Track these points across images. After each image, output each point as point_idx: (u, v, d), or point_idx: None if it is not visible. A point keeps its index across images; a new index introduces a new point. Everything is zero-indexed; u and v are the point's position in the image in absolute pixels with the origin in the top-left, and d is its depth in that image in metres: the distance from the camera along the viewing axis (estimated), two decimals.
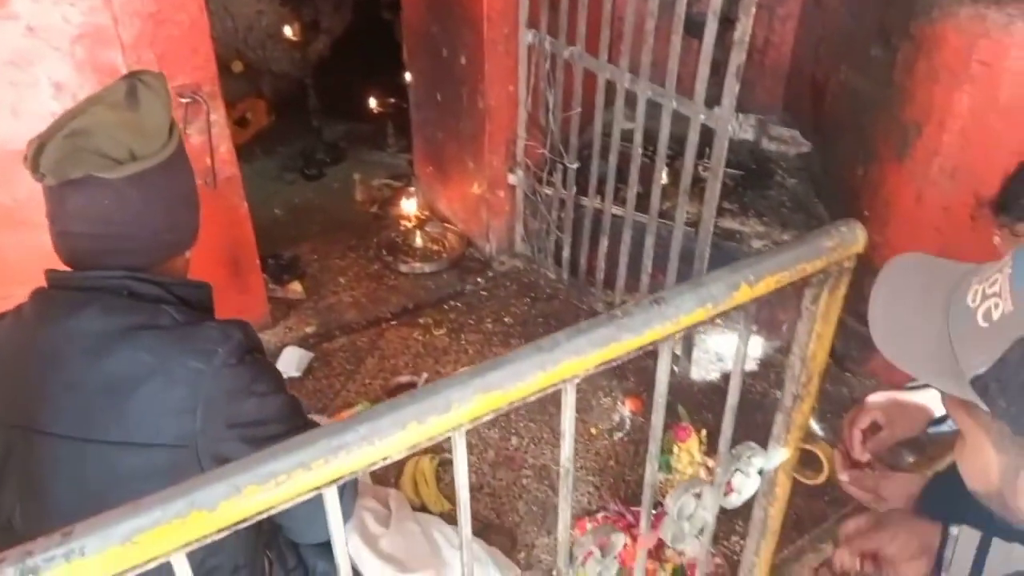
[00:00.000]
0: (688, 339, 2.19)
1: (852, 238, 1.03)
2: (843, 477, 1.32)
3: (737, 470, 1.20)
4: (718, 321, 2.39)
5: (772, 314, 2.33)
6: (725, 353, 2.28)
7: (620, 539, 1.08)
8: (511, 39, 2.30)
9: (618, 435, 2.06)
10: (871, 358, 2.11)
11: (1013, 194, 1.07)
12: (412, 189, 2.99)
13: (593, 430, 2.06)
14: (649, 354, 2.49)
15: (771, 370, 2.24)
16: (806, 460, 1.31)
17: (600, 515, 1.84)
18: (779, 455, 1.22)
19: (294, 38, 3.69)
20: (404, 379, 2.07)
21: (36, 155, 1.01)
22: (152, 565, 0.67)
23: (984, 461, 0.67)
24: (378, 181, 3.37)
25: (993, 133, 1.73)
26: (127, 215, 1.04)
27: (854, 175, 2.17)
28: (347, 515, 1.29)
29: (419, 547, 1.61)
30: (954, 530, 1.00)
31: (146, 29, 1.78)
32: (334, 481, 0.73)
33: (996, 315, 0.62)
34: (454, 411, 0.77)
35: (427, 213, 2.90)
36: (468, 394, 0.78)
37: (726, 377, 2.20)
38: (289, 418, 1.11)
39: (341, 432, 0.72)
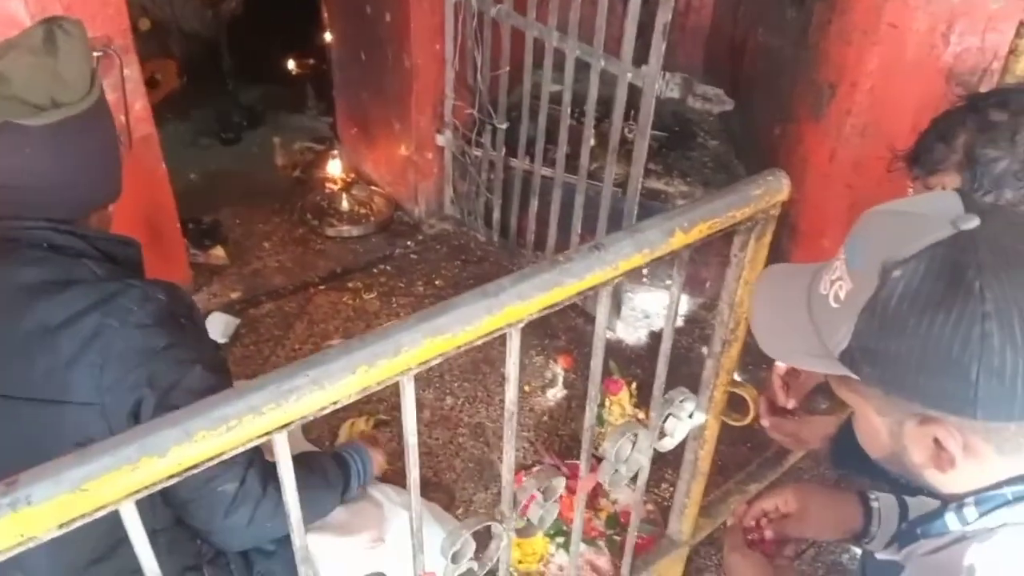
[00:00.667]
0: (617, 298, 2.25)
1: (778, 186, 1.08)
2: (765, 423, 1.39)
3: (670, 414, 1.25)
4: (645, 280, 2.46)
5: (696, 272, 2.41)
6: (652, 310, 2.35)
7: (561, 483, 1.12)
8: None
9: (551, 391, 2.10)
10: None
11: (926, 148, 1.13)
12: (336, 152, 2.93)
13: (527, 387, 2.10)
14: (579, 313, 2.56)
15: (695, 326, 2.32)
16: (732, 404, 1.38)
17: (535, 469, 1.88)
18: (711, 396, 1.28)
19: None
20: (335, 343, 2.04)
21: None
22: (101, 513, 0.65)
23: (873, 428, 0.73)
24: (299, 144, 3.28)
25: (900, 91, 1.83)
26: (46, 164, 1.01)
27: (772, 135, 2.26)
28: (322, 514, 1.27)
29: (359, 507, 1.61)
30: (875, 503, 1.05)
31: None
32: (284, 426, 0.73)
33: (842, 295, 0.70)
34: (403, 355, 0.78)
35: (352, 176, 2.85)
36: (417, 338, 0.79)
37: (653, 334, 2.27)
38: (202, 392, 1.05)
39: (291, 377, 0.72)
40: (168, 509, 1.11)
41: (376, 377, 0.77)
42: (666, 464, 1.82)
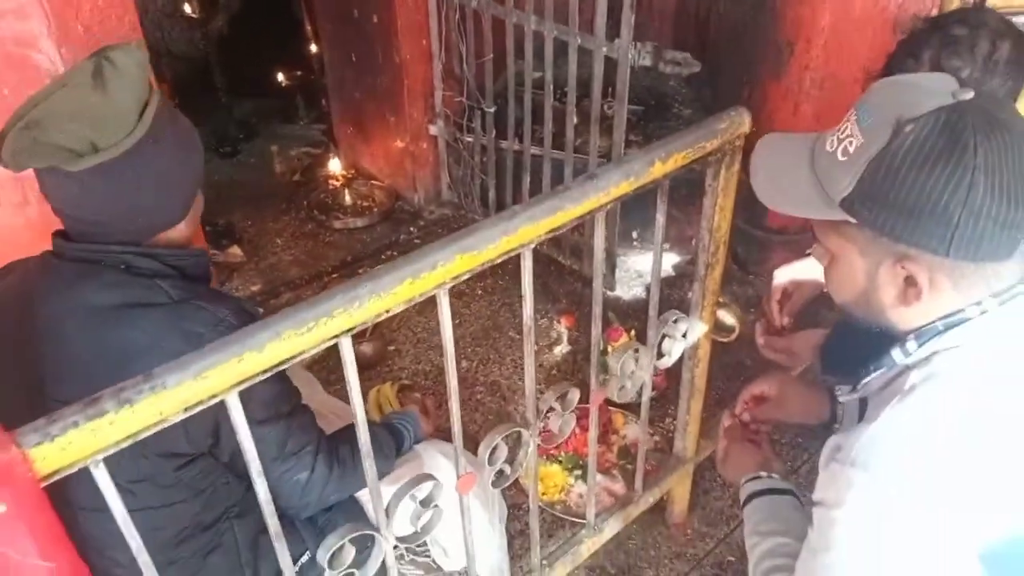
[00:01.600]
0: (611, 259, 2.41)
1: (740, 121, 1.25)
2: (760, 341, 1.54)
3: (665, 335, 1.42)
4: (636, 244, 2.63)
5: (681, 231, 2.58)
6: (644, 270, 2.52)
7: (576, 393, 1.28)
8: None
9: (557, 348, 2.26)
10: (769, 259, 2.38)
11: (897, 65, 1.26)
12: (333, 152, 3.09)
13: (527, 360, 2.26)
14: (577, 277, 2.75)
15: (684, 280, 2.49)
16: (720, 325, 1.54)
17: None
18: (700, 316, 1.45)
19: (193, 15, 3.68)
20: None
21: None
22: (214, 401, 0.82)
23: (852, 269, 0.89)
24: (296, 151, 3.44)
25: (852, 44, 2.00)
26: (97, 201, 1.04)
27: (740, 97, 2.43)
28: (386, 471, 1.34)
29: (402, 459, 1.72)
30: (841, 398, 1.20)
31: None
32: (349, 330, 0.90)
33: (851, 149, 0.84)
34: (439, 269, 0.95)
35: (352, 172, 3.01)
36: (450, 255, 0.95)
37: (647, 288, 2.44)
38: (273, 404, 1.13)
39: (354, 288, 0.88)
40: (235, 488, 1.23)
41: (420, 288, 0.94)
42: (668, 402, 1.98)
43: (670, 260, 2.55)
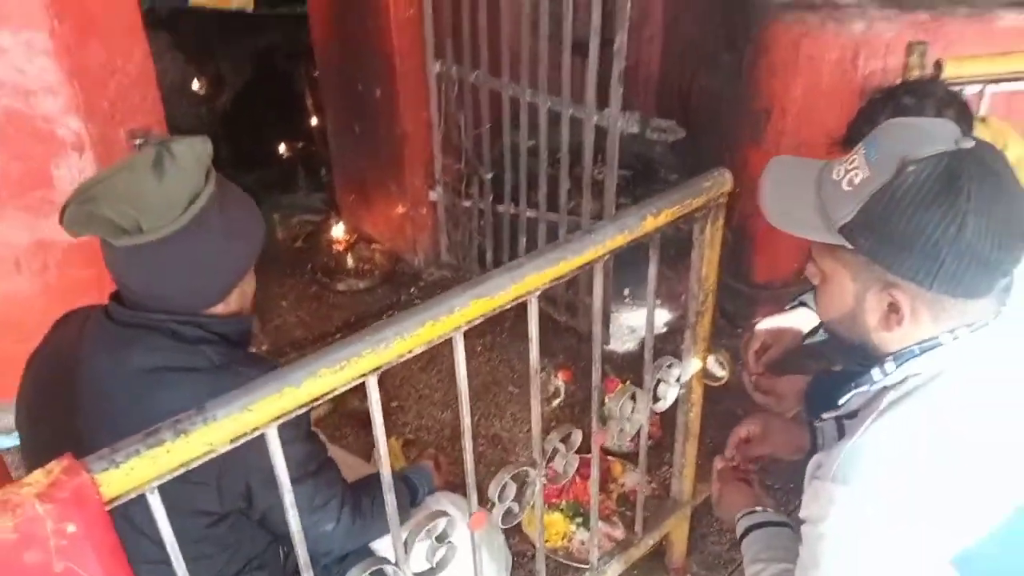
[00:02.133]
0: (605, 316, 2.51)
1: (723, 180, 1.38)
2: (748, 386, 1.62)
3: (660, 380, 1.51)
4: (627, 300, 2.74)
5: (671, 288, 2.69)
6: (636, 325, 2.62)
7: (578, 434, 1.37)
8: (420, 70, 2.60)
9: (556, 402, 2.34)
10: (755, 312, 2.49)
11: (855, 131, 1.42)
12: (334, 219, 3.22)
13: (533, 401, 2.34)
14: (573, 334, 2.85)
15: (675, 334, 2.59)
16: (711, 370, 1.63)
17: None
18: (692, 362, 1.54)
19: (200, 92, 3.87)
20: None
21: (62, 212, 1.09)
22: (256, 434, 0.90)
23: (842, 291, 0.97)
24: (297, 219, 3.57)
25: (822, 111, 2.16)
26: (138, 277, 1.13)
27: (722, 162, 2.57)
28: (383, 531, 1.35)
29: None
30: (819, 425, 1.29)
31: (97, 78, 1.96)
32: (376, 369, 0.99)
33: (857, 180, 0.92)
34: (456, 313, 1.05)
35: (354, 236, 3.13)
36: (466, 301, 1.05)
37: (640, 342, 2.54)
38: (303, 464, 1.21)
39: (381, 331, 0.98)
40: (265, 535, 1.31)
41: (439, 330, 1.03)
42: (663, 450, 2.05)
43: (662, 317, 2.65)
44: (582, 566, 1.63)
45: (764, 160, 2.42)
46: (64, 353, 1.20)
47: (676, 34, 3.09)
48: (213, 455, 0.87)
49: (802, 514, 0.98)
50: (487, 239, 2.73)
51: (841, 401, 1.03)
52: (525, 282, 1.11)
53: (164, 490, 0.85)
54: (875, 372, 0.97)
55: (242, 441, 0.89)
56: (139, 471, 0.80)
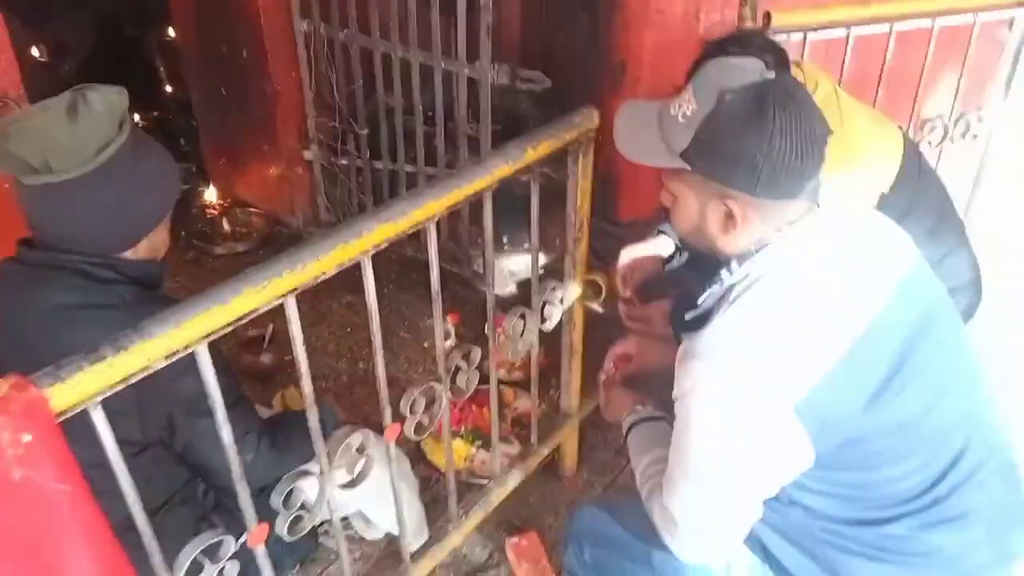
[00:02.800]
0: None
1: (591, 116, 1.54)
2: (622, 312, 1.80)
3: (545, 302, 1.67)
4: (506, 247, 2.89)
5: (545, 234, 2.86)
6: (515, 270, 2.77)
7: (478, 352, 1.50)
8: (288, 29, 2.59)
9: (447, 343, 2.46)
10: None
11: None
12: (204, 185, 3.16)
13: (426, 344, 2.45)
14: (459, 281, 2.99)
15: (554, 275, 2.76)
16: (589, 292, 1.81)
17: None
18: (573, 285, 1.71)
19: (43, 59, 3.63)
20: (253, 332, 2.30)
21: None
22: (188, 351, 0.97)
23: (688, 207, 1.15)
24: None
25: (672, 61, 2.36)
26: (51, 218, 1.17)
27: None
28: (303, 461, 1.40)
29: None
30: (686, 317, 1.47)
31: None
32: (294, 290, 1.07)
33: (688, 112, 1.09)
34: (364, 236, 1.14)
35: (228, 201, 3.09)
36: (372, 225, 1.15)
37: (520, 285, 2.70)
38: (223, 394, 1.18)
39: (300, 251, 1.07)
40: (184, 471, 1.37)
41: (349, 252, 1.13)
42: (551, 375, 2.22)
43: (541, 259, 2.82)
44: (484, 481, 1.78)
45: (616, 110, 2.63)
46: None
47: None
48: (150, 371, 0.93)
49: (674, 393, 1.14)
50: (367, 195, 2.78)
51: (699, 301, 1.22)
52: (425, 208, 1.22)
53: (86, 419, 0.89)
54: (723, 273, 1.15)
55: (176, 358, 0.95)
56: (84, 385, 0.86)
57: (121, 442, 1.19)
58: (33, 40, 3.63)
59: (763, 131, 1.02)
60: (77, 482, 0.86)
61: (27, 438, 0.80)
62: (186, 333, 0.95)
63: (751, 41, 1.60)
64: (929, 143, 2.32)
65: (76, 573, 0.86)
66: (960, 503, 1.13)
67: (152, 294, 1.26)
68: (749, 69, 1.08)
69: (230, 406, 1.28)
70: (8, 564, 0.81)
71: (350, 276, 1.19)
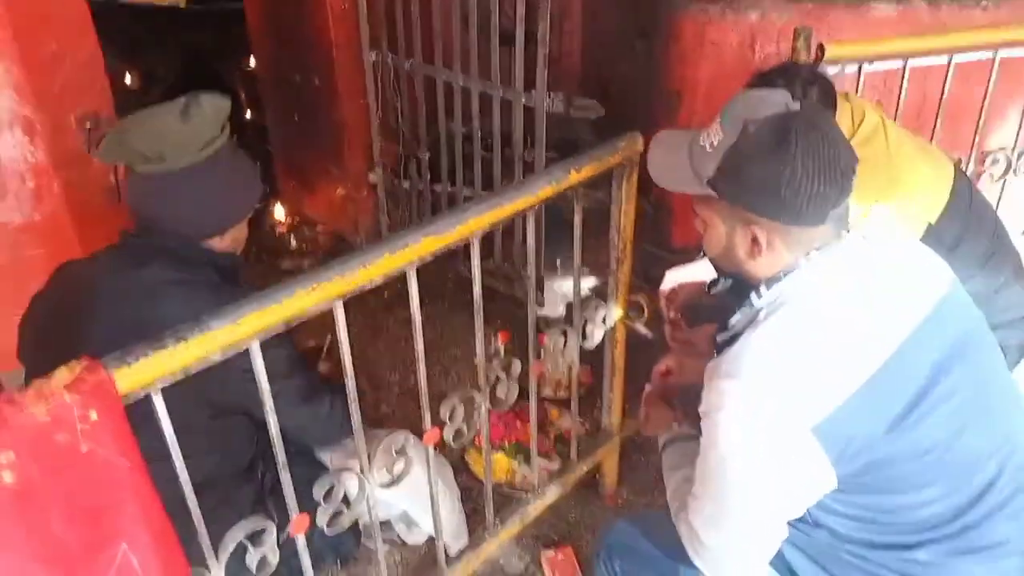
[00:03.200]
0: (539, 282, 2.71)
1: (635, 140, 1.59)
2: (667, 334, 1.83)
3: (587, 320, 1.72)
4: (559, 272, 2.95)
5: (596, 258, 2.90)
6: (567, 293, 2.82)
7: (518, 364, 1.56)
8: (357, 60, 2.74)
9: (495, 361, 2.52)
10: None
11: None
12: (277, 202, 3.33)
13: (476, 362, 2.51)
14: (510, 300, 3.06)
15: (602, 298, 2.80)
16: (632, 312, 1.84)
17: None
18: (615, 305, 1.75)
19: (134, 88, 3.91)
20: (311, 343, 2.41)
21: (98, 143, 1.34)
22: (243, 346, 1.05)
23: (717, 232, 1.20)
24: None
25: (726, 91, 2.39)
26: (155, 203, 1.37)
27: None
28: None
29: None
30: (719, 338, 1.49)
31: (46, 65, 2.05)
32: (342, 295, 1.15)
33: (715, 142, 1.15)
34: (409, 248, 1.22)
35: (297, 219, 3.25)
36: (418, 237, 1.23)
37: (570, 306, 2.74)
38: (294, 363, 1.45)
39: (347, 262, 1.14)
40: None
41: (396, 262, 1.20)
42: (594, 396, 2.25)
43: (588, 283, 2.86)
44: (524, 495, 1.81)
45: None
46: (74, 284, 1.39)
47: (594, 27, 3.32)
48: (208, 362, 1.02)
49: (701, 409, 1.17)
50: (426, 217, 2.89)
51: (731, 323, 1.25)
52: (468, 224, 1.29)
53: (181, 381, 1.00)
54: (753, 297, 1.19)
55: (231, 353, 1.04)
56: (147, 370, 0.95)
57: (207, 403, 1.37)
58: (126, 69, 3.92)
59: (784, 159, 1.06)
60: (136, 459, 0.95)
61: (94, 416, 0.89)
62: (242, 328, 1.03)
63: (797, 73, 1.63)
64: (991, 176, 2.29)
65: (132, 541, 0.94)
66: (992, 532, 1.12)
67: (234, 281, 1.43)
68: (774, 101, 1.13)
69: (300, 372, 1.48)
70: (72, 528, 0.90)
71: (406, 292, 1.28)
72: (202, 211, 1.39)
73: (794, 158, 1.06)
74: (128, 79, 3.91)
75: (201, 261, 1.40)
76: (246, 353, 1.07)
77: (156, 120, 1.32)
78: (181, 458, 1.04)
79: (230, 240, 1.47)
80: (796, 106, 1.12)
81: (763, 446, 1.08)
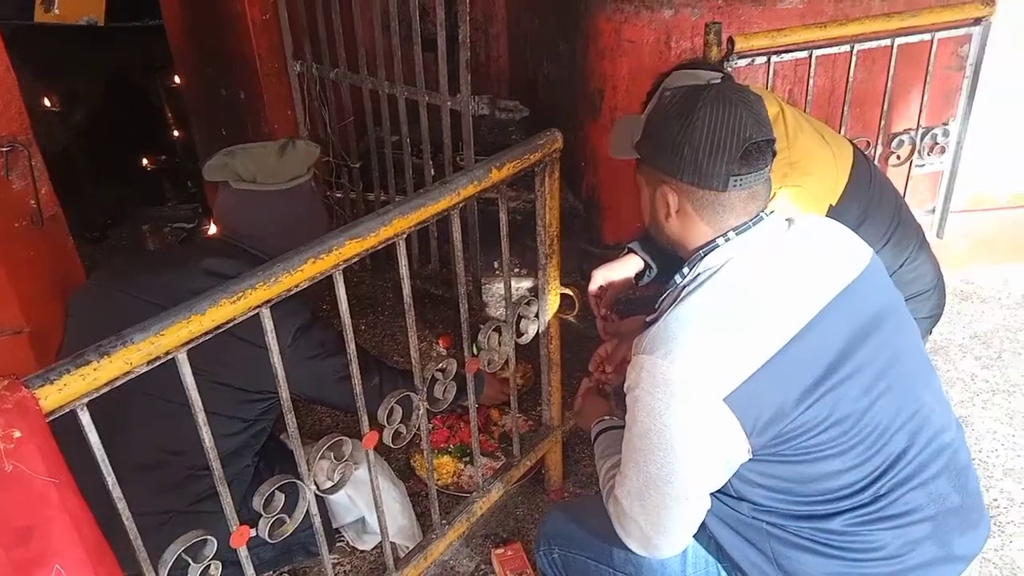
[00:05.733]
0: (477, 284, 2.74)
1: (554, 138, 1.63)
2: (599, 327, 1.88)
3: (521, 316, 1.75)
4: (497, 272, 2.98)
5: (534, 259, 2.95)
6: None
7: (454, 364, 1.58)
8: (281, 71, 2.73)
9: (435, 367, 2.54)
10: None
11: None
12: (209, 221, 3.28)
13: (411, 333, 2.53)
14: (450, 305, 3.09)
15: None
16: (564, 305, 1.89)
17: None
18: (546, 300, 1.79)
19: (55, 109, 3.80)
20: None
21: (206, 163, 1.66)
22: (168, 356, 1.05)
23: (644, 197, 1.28)
24: (168, 227, 3.59)
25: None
26: (241, 216, 1.64)
27: (568, 141, 2.87)
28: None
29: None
30: (648, 319, 1.56)
31: None
32: (268, 302, 1.16)
33: (647, 111, 1.25)
34: (335, 252, 1.23)
35: None
36: (342, 241, 1.24)
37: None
38: (333, 341, 1.62)
39: (271, 267, 1.15)
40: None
41: (320, 267, 1.21)
42: (536, 394, 2.29)
43: (526, 284, 2.91)
44: (470, 495, 1.84)
45: (603, 133, 2.76)
46: (148, 262, 1.75)
47: (519, 31, 3.37)
48: (132, 375, 1.01)
49: (625, 386, 1.21)
50: None
51: (656, 305, 1.30)
52: (393, 225, 1.31)
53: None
54: (677, 277, 1.24)
55: (157, 364, 1.04)
56: (70, 387, 0.95)
57: (235, 388, 1.54)
58: (46, 91, 3.81)
59: (687, 120, 1.15)
60: (65, 476, 0.94)
61: (17, 434, 0.89)
62: (166, 340, 1.03)
63: (700, 67, 1.70)
64: (898, 157, 2.41)
65: (64, 561, 0.94)
66: (902, 501, 1.18)
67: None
68: (702, 76, 1.24)
69: (341, 351, 1.46)
70: (1, 550, 0.89)
71: (310, 297, 1.31)
72: (276, 230, 1.62)
73: (695, 118, 1.14)
74: (47, 101, 3.80)
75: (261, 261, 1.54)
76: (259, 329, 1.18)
77: (259, 151, 1.65)
78: (112, 474, 1.04)
79: None
80: (716, 80, 1.20)
81: (679, 417, 1.11)
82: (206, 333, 1.09)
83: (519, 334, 1.76)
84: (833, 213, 1.64)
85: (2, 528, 0.89)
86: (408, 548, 1.70)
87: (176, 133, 4.18)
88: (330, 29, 2.56)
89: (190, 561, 1.16)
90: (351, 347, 1.36)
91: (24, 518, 0.90)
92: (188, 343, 1.07)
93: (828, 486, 1.17)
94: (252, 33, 2.67)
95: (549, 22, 2.98)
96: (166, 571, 1.12)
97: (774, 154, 1.21)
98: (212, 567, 1.19)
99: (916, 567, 1.19)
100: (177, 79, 3.62)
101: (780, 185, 1.60)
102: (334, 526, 1.83)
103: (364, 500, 1.79)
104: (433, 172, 2.64)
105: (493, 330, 1.67)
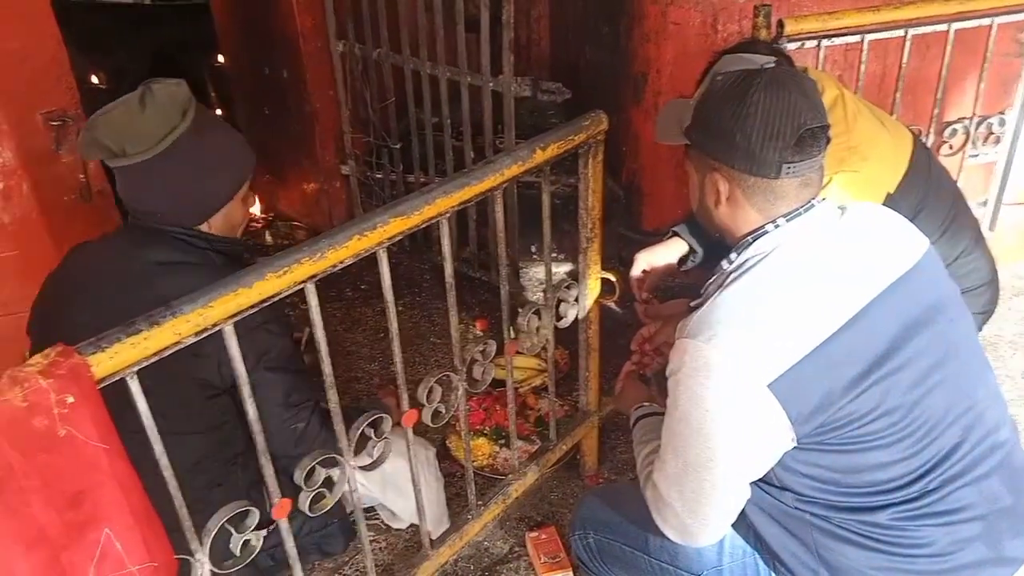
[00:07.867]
0: (515, 267, 2.74)
1: (599, 120, 1.61)
2: (640, 311, 1.86)
3: (560, 300, 1.74)
4: (535, 256, 2.97)
5: (574, 244, 2.93)
6: (542, 277, 2.85)
7: (493, 345, 1.57)
8: (324, 50, 2.74)
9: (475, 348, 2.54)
10: None
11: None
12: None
13: (451, 312, 2.54)
14: (487, 288, 3.08)
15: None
16: (604, 290, 1.87)
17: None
18: (586, 284, 1.77)
19: (102, 86, 3.87)
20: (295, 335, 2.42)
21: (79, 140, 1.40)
22: (216, 328, 1.06)
23: (693, 183, 1.25)
24: None
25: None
26: (132, 195, 1.38)
27: (610, 125, 2.84)
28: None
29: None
30: (693, 304, 1.54)
31: (10, 64, 2.03)
32: (313, 277, 1.16)
33: (697, 96, 1.22)
34: (379, 229, 1.23)
35: (272, 215, 3.24)
36: (387, 219, 1.24)
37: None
38: (284, 359, 1.43)
39: (316, 243, 1.16)
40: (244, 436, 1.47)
41: (364, 244, 1.22)
42: (572, 380, 2.28)
43: (564, 268, 2.90)
44: (504, 477, 1.84)
45: (646, 118, 2.72)
46: (81, 264, 1.44)
47: (561, 13, 3.33)
48: (181, 345, 1.03)
49: (667, 371, 1.19)
50: None
51: (702, 290, 1.28)
52: (436, 204, 1.31)
53: (175, 359, 1.02)
54: (724, 262, 1.22)
55: (205, 335, 1.05)
56: (121, 355, 0.96)
57: (201, 382, 1.38)
58: (94, 67, 3.88)
59: (740, 106, 1.12)
60: (115, 442, 0.96)
61: (71, 399, 0.90)
62: (214, 312, 1.04)
63: (755, 48, 1.66)
64: (951, 146, 2.34)
65: (114, 525, 0.95)
66: (952, 498, 1.14)
67: (240, 265, 1.38)
68: (752, 60, 1.21)
69: (293, 372, 1.45)
70: (52, 511, 0.91)
71: (353, 277, 1.31)
72: (175, 200, 1.38)
73: (748, 104, 1.11)
74: (95, 79, 3.87)
75: (200, 245, 1.41)
76: (242, 326, 1.10)
77: (116, 113, 1.33)
78: (160, 442, 1.06)
79: (221, 225, 1.45)
80: (770, 64, 1.17)
81: (721, 402, 1.09)
82: (252, 306, 1.09)
83: (558, 318, 1.75)
84: (891, 202, 1.60)
85: (55, 491, 0.90)
86: (436, 533, 1.70)
87: (219, 112, 4.22)
88: (373, 9, 2.56)
89: (232, 531, 1.17)
90: (393, 325, 1.36)
91: (76, 482, 0.92)
92: (235, 315, 1.08)
93: (875, 478, 1.14)
94: (296, 12, 2.69)
95: (592, 4, 2.95)
96: (210, 539, 1.14)
97: (828, 141, 1.17)
98: (253, 539, 1.20)
99: (964, 567, 1.15)
100: (221, 58, 3.66)
101: (838, 170, 1.56)
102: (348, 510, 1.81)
103: (379, 483, 1.76)
104: (472, 154, 2.64)
105: (533, 313, 1.66)
